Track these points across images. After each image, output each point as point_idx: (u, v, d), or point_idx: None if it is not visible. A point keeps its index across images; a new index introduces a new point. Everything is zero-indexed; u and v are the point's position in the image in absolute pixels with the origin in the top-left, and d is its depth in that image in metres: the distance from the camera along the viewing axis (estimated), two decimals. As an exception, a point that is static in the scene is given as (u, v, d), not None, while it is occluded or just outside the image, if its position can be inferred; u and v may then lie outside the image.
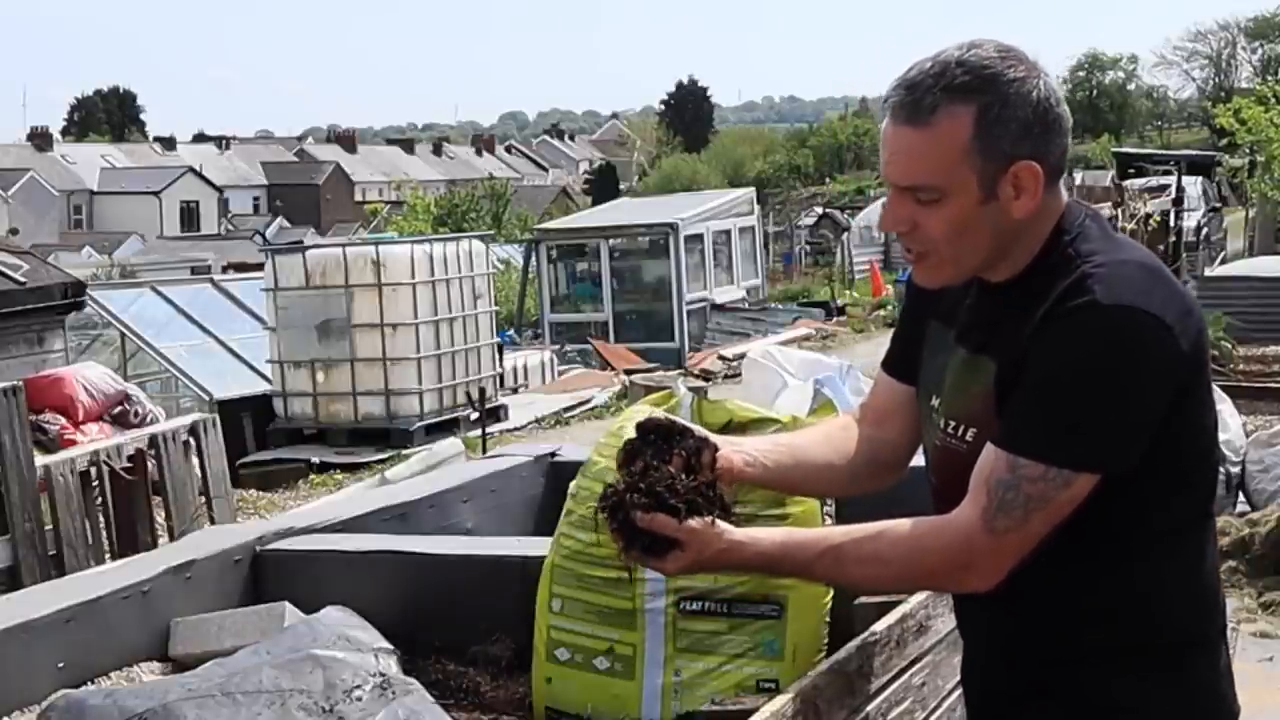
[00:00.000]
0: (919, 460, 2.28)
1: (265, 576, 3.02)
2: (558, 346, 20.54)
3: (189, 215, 68.43)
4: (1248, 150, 26.28)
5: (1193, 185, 22.96)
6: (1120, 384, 1.94)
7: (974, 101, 1.98)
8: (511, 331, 22.05)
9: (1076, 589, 2.06)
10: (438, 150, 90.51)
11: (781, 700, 1.98)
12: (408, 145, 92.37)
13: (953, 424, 2.11)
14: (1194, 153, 29.68)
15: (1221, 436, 7.83)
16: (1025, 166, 2.00)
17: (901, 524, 2.05)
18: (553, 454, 3.88)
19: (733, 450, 2.20)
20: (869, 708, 2.17)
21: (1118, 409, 1.94)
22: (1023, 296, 2.04)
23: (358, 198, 73.74)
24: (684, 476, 2.05)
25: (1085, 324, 1.94)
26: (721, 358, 17.20)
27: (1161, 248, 15.23)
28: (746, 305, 23.58)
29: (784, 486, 2.41)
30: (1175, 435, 1.99)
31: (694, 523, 2.02)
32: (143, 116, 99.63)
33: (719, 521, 2.04)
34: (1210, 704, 2.12)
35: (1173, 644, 2.08)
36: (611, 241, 23.41)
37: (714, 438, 2.17)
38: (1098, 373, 1.93)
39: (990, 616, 2.11)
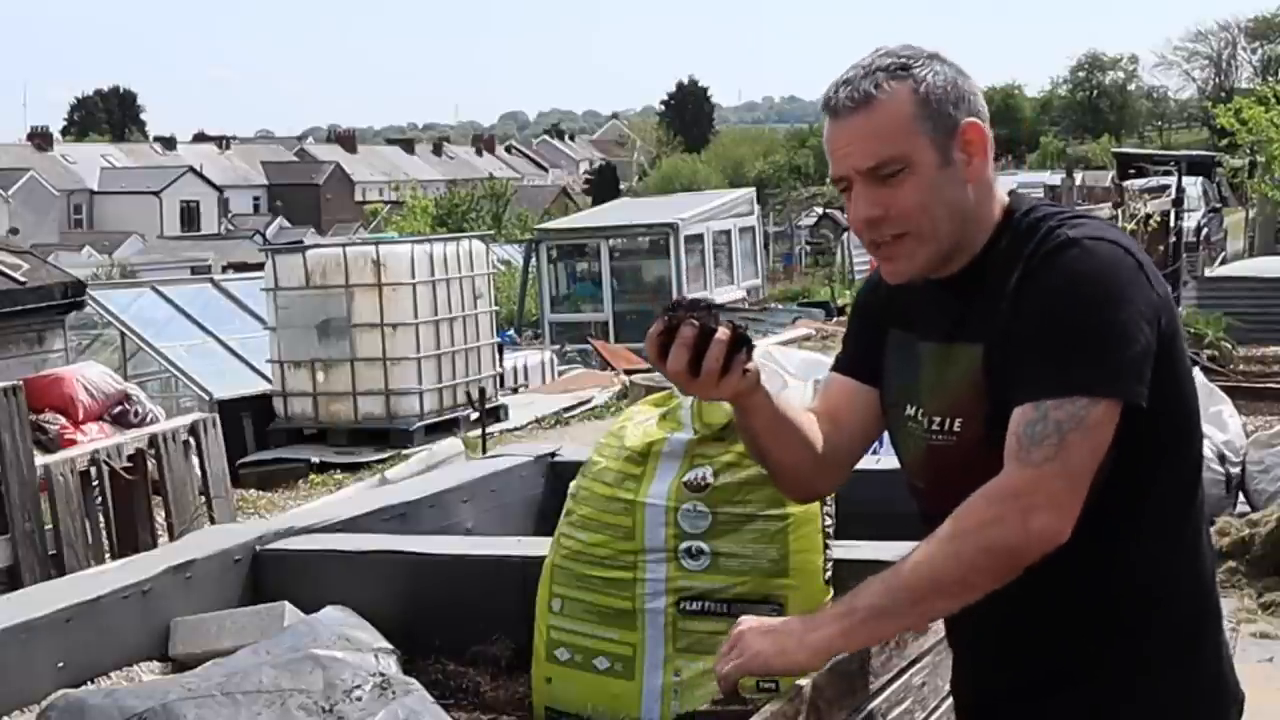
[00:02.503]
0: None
1: (265, 576, 3.02)
2: (558, 346, 20.57)
3: (189, 215, 68.46)
4: (1248, 150, 26.29)
5: (1193, 186, 22.95)
6: (1113, 307, 1.97)
7: (907, 78, 2.07)
8: (511, 331, 22.06)
9: (1079, 580, 2.06)
10: (438, 150, 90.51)
11: (781, 700, 1.98)
12: (408, 145, 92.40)
13: (938, 419, 2.12)
14: (1194, 153, 29.73)
15: (1221, 437, 7.86)
16: (970, 124, 2.09)
17: (950, 517, 2.01)
18: (553, 454, 3.88)
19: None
20: (869, 707, 2.17)
21: (1117, 331, 1.97)
22: (990, 274, 2.08)
23: (358, 198, 73.79)
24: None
25: (1067, 259, 2.00)
26: (721, 358, 17.16)
27: (1161, 248, 15.23)
28: (746, 305, 23.58)
29: (768, 434, 2.22)
30: (1160, 397, 2.00)
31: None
32: (143, 116, 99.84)
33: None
34: (1216, 688, 2.15)
35: (1178, 632, 2.11)
36: (611, 241, 23.44)
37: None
38: (1090, 300, 1.97)
39: (991, 615, 2.11)
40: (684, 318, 2.03)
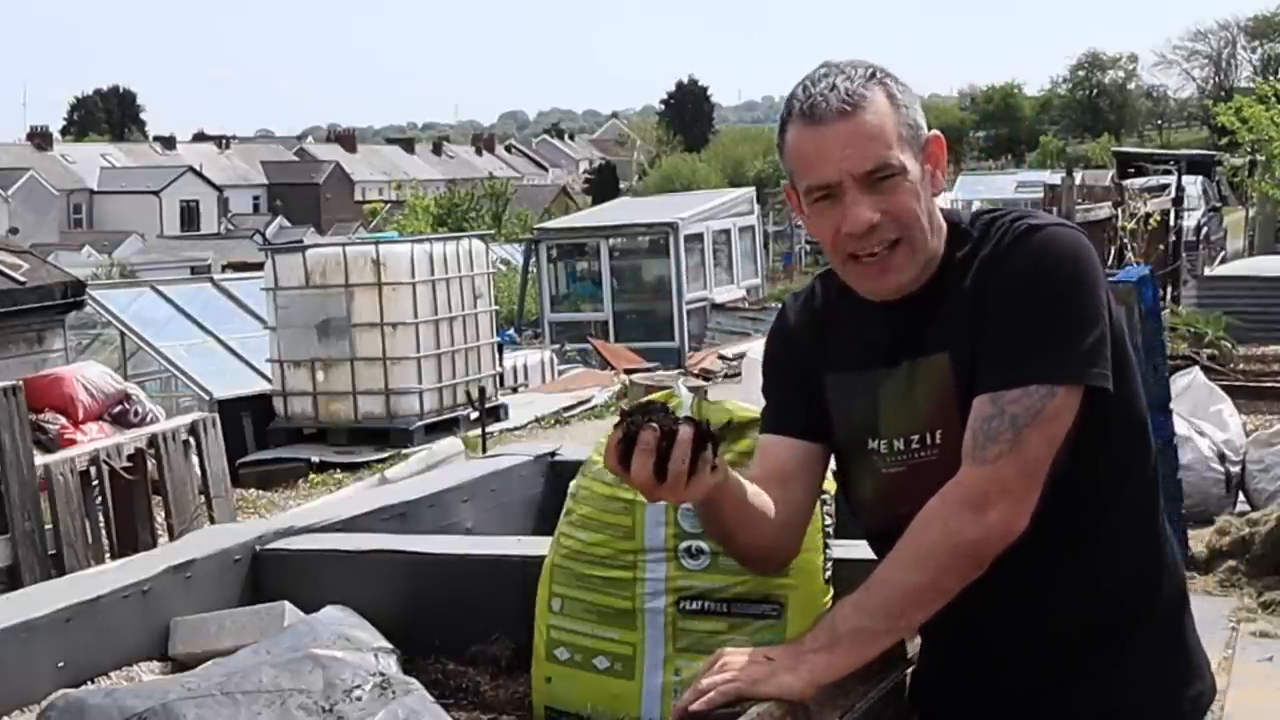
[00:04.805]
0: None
1: (265, 576, 3.02)
2: (558, 346, 20.58)
3: (189, 215, 68.43)
4: (1248, 150, 26.29)
5: (1193, 185, 22.95)
6: (1077, 291, 2.00)
7: (879, 87, 2.06)
8: (511, 331, 22.06)
9: (1054, 572, 2.09)
10: (438, 150, 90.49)
11: (770, 700, 1.97)
12: (408, 145, 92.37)
13: (916, 437, 2.10)
14: (1194, 152, 29.70)
15: (1221, 435, 7.86)
16: (935, 137, 2.10)
17: (910, 527, 2.03)
18: (553, 454, 3.88)
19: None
20: (862, 708, 2.17)
21: (1080, 316, 1.99)
22: (948, 284, 2.08)
23: (358, 197, 73.74)
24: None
25: (1034, 244, 2.02)
26: (721, 357, 17.21)
27: (1161, 247, 15.22)
28: (746, 305, 23.59)
29: (738, 522, 2.15)
30: (1117, 387, 2.03)
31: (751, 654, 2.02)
32: (143, 116, 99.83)
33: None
34: (1191, 665, 2.20)
35: (1151, 614, 2.15)
36: (611, 241, 23.45)
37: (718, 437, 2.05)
38: (1057, 284, 1.99)
39: (970, 622, 2.10)
40: (643, 423, 1.94)
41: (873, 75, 2.06)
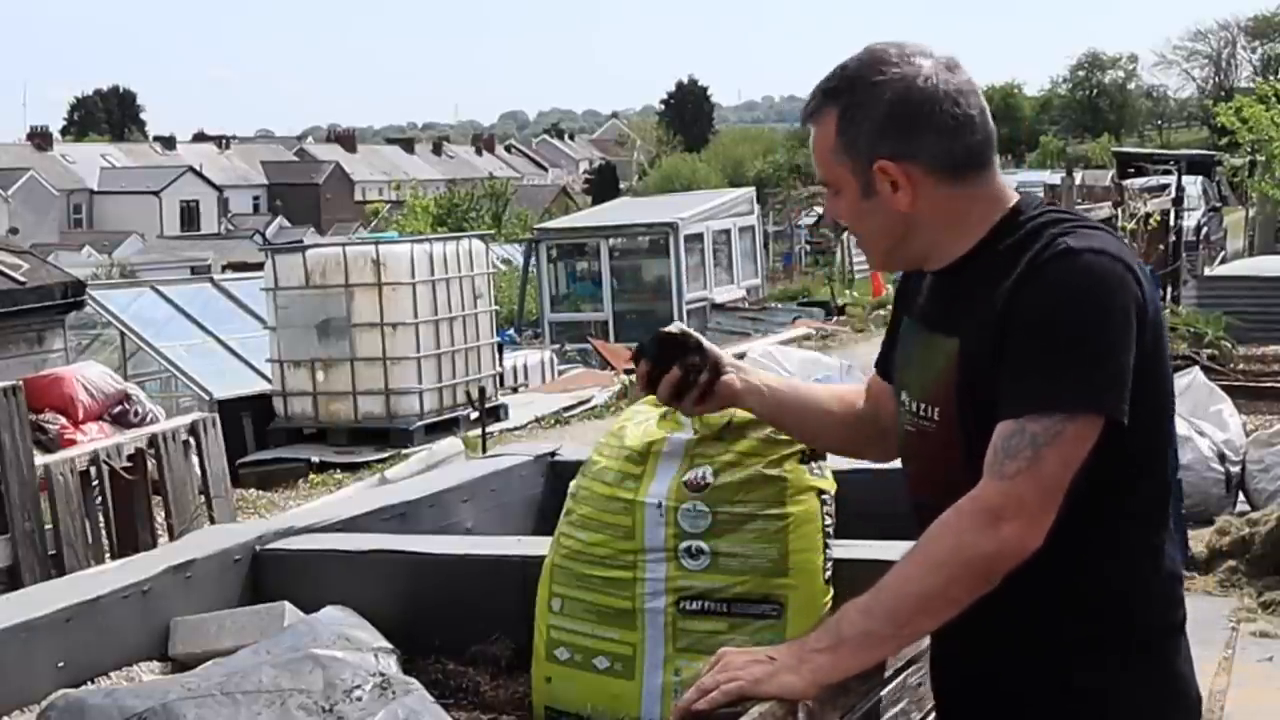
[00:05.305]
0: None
1: (265, 576, 3.02)
2: (558, 346, 20.58)
3: (189, 215, 68.46)
4: (1248, 150, 26.28)
5: (1193, 185, 22.94)
6: (1102, 323, 1.99)
7: (839, 103, 2.11)
8: (511, 331, 22.07)
9: (1055, 580, 2.08)
10: (438, 150, 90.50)
11: (771, 700, 1.97)
12: (408, 145, 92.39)
13: (923, 405, 2.16)
14: (1194, 152, 29.69)
15: (1221, 436, 7.87)
16: (887, 165, 2.09)
17: (924, 534, 2.05)
18: (553, 454, 3.88)
19: (736, 375, 2.40)
20: (863, 708, 2.17)
21: (1103, 348, 1.98)
22: (982, 271, 2.09)
23: (358, 197, 73.76)
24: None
25: (1063, 270, 2.01)
26: (721, 357, 17.18)
27: (1161, 247, 15.20)
28: (746, 305, 23.61)
29: (778, 420, 2.45)
30: (1138, 410, 2.02)
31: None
32: (143, 116, 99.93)
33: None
34: (1181, 689, 2.17)
35: (1148, 633, 2.13)
36: (611, 241, 23.47)
37: (724, 359, 2.43)
38: (1081, 315, 1.99)
39: (972, 626, 2.10)
40: (670, 362, 2.38)
41: (842, 89, 2.11)
